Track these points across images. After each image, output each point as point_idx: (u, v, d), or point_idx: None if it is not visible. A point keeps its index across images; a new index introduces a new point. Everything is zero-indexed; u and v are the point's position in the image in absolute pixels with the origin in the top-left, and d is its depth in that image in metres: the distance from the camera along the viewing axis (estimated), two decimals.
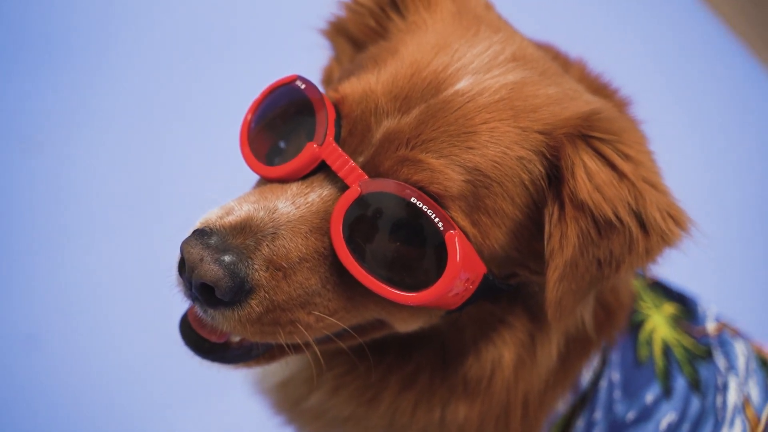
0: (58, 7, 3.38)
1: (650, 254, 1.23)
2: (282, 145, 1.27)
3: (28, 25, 3.33)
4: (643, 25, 3.89)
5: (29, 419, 2.46)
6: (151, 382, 2.57)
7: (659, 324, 1.55)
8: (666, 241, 1.23)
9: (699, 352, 1.55)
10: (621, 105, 1.41)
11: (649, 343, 1.53)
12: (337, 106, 1.23)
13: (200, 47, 3.38)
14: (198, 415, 2.53)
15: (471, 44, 1.26)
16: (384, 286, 1.16)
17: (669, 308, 1.59)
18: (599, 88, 1.40)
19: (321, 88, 1.29)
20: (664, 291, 1.63)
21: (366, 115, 1.21)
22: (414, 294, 1.17)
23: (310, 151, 1.20)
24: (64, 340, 2.62)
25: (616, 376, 1.49)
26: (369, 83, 1.22)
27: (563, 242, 1.19)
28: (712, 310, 1.64)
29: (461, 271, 1.16)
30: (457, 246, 1.15)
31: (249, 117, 1.28)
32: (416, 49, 1.25)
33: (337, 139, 1.21)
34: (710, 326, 1.60)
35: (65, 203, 2.93)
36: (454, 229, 1.15)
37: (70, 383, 2.54)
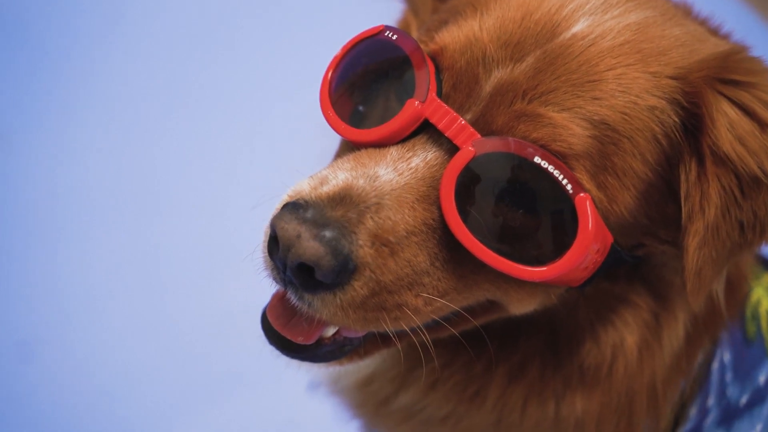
0: None
1: None
2: (365, 107, 1.13)
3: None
4: None
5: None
6: (148, 388, 2.51)
7: (762, 296, 1.41)
8: None
9: None
10: None
11: (756, 317, 1.39)
12: (435, 59, 1.08)
13: None
14: (195, 423, 2.46)
15: None
16: (505, 260, 1.01)
17: None
18: (711, 32, 1.25)
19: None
20: (759, 260, 1.48)
21: (472, 66, 1.06)
22: (540, 269, 1.02)
23: (412, 108, 1.05)
24: (58, 345, 2.57)
25: (727, 356, 1.35)
26: (473, 30, 1.08)
27: (704, 203, 1.05)
28: None
29: (593, 240, 1.01)
30: (589, 211, 1.00)
31: (329, 75, 1.13)
32: None
33: (440, 95, 1.06)
34: None
35: (57, 200, 2.86)
36: (585, 192, 1.00)
37: (64, 389, 2.49)
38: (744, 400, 1.35)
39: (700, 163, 1.05)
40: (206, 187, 2.84)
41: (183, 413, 2.44)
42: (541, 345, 1.22)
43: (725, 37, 1.27)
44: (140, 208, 2.82)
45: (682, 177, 1.06)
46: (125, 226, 2.79)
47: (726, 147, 1.04)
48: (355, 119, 1.12)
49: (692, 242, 1.05)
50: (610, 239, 1.06)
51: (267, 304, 1.14)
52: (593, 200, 1.03)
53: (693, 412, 1.34)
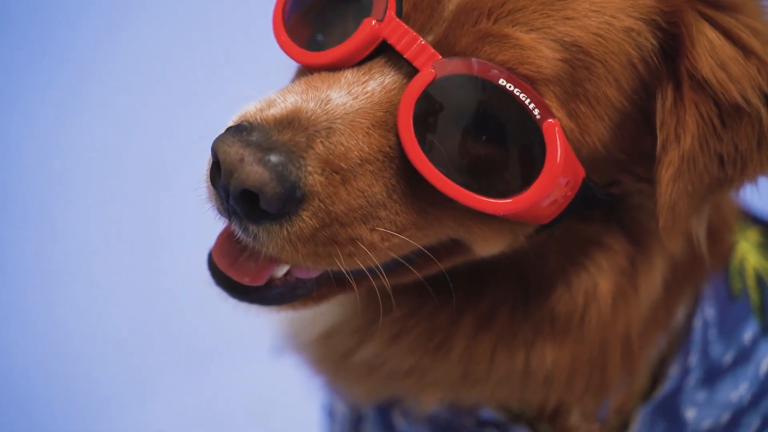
0: None
1: None
2: (322, 32, 1.06)
3: None
4: None
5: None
6: (128, 356, 2.55)
7: (748, 251, 1.35)
8: None
9: None
10: None
11: (741, 273, 1.33)
12: None
13: None
14: (177, 393, 2.48)
15: None
16: (467, 192, 0.95)
17: (754, 234, 1.38)
18: None
19: None
20: (743, 214, 1.42)
21: None
22: (505, 201, 0.95)
23: (368, 28, 0.98)
24: (39, 308, 2.63)
25: (710, 311, 1.29)
26: None
27: (679, 131, 0.98)
28: None
29: (562, 172, 0.95)
30: (557, 139, 0.94)
31: None
32: None
33: (399, 15, 0.99)
34: None
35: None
36: (553, 118, 0.93)
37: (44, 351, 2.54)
38: (728, 358, 1.29)
39: (677, 88, 0.99)
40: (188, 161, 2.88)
41: (161, 382, 2.46)
42: (511, 292, 1.15)
43: None
44: (132, 170, 2.88)
45: (659, 104, 1.00)
46: (114, 188, 2.85)
47: (705, 71, 0.97)
48: (313, 45, 1.05)
49: (666, 173, 0.99)
50: (581, 173, 1.00)
51: (212, 247, 1.06)
52: (564, 130, 0.96)
53: (674, 370, 1.28)
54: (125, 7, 3.41)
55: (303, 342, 1.31)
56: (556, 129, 0.93)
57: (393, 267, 1.04)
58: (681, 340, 1.28)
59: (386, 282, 1.01)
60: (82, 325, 2.58)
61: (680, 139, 0.98)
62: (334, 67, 1.00)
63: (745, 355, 1.30)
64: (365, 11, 1.00)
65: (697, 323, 1.28)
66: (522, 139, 0.95)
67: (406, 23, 0.98)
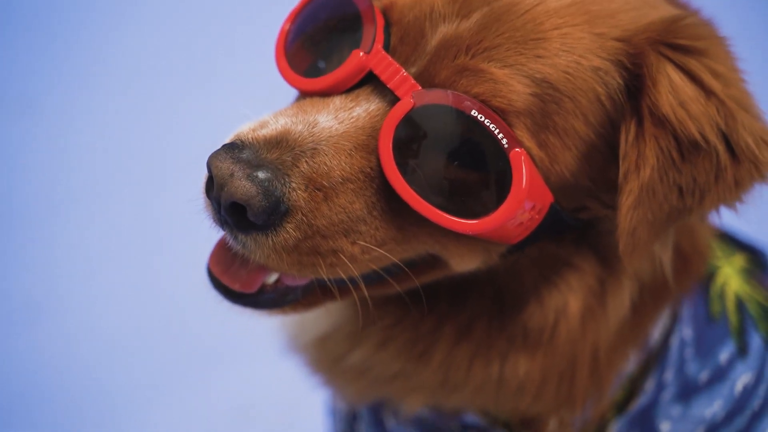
0: None
1: (740, 186, 1.10)
2: (322, 62, 1.15)
3: None
4: None
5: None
6: (135, 360, 2.57)
7: (731, 276, 1.41)
8: (759, 171, 1.09)
9: None
10: None
11: (722, 297, 1.39)
12: (386, 13, 1.11)
13: None
14: (181, 396, 2.50)
15: None
16: (437, 211, 1.03)
17: (740, 260, 1.45)
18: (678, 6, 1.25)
19: None
20: (733, 241, 1.48)
21: (420, 20, 1.08)
22: (472, 221, 1.04)
23: (356, 59, 1.07)
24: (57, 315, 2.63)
25: (688, 332, 1.35)
26: None
27: (640, 162, 1.05)
28: None
29: (527, 197, 1.03)
30: (523, 167, 1.02)
31: (287, 27, 1.16)
32: None
33: (387, 48, 1.08)
34: None
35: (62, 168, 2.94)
36: (520, 147, 1.01)
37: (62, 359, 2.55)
38: (704, 376, 1.35)
39: (640, 123, 1.06)
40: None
41: (166, 384, 2.49)
42: (489, 305, 1.23)
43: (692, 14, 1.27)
44: (144, 174, 2.90)
45: (622, 138, 1.07)
46: (127, 192, 2.86)
47: (665, 108, 1.04)
48: (309, 72, 1.14)
49: (626, 201, 1.06)
50: (549, 198, 1.07)
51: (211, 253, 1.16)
52: (534, 158, 1.04)
53: (649, 385, 1.34)
54: (134, 15, 3.43)
55: (301, 344, 1.40)
56: (522, 158, 1.01)
57: (375, 279, 1.13)
58: (658, 357, 1.34)
59: (365, 293, 1.10)
60: (87, 330, 2.62)
61: (640, 169, 1.05)
62: (326, 93, 1.09)
63: (720, 374, 1.35)
64: (357, 43, 1.09)
65: (674, 342, 1.34)
66: (491, 165, 1.03)
67: (393, 55, 1.07)
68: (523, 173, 1.02)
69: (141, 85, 3.21)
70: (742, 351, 1.37)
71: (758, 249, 1.50)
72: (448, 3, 1.07)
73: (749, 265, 1.45)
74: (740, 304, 1.40)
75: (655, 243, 1.14)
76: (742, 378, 1.35)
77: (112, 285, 2.68)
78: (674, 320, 1.35)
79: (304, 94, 1.12)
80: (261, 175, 1.00)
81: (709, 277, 1.40)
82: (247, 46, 2.75)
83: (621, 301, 1.22)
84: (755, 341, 1.38)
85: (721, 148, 1.06)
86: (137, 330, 2.56)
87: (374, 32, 1.07)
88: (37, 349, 2.54)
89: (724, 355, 1.36)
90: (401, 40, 1.08)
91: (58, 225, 2.84)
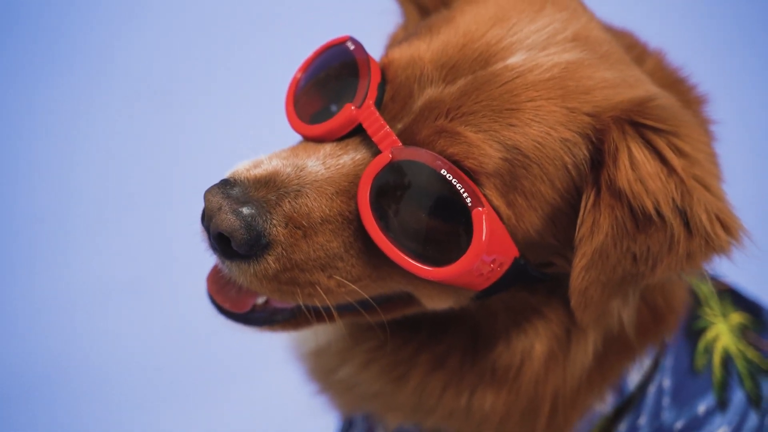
0: None
1: (692, 258, 1.17)
2: (322, 107, 1.26)
3: None
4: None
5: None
6: (144, 378, 2.63)
7: (723, 333, 1.47)
8: (711, 246, 1.16)
9: (765, 367, 1.46)
10: (695, 102, 1.33)
11: (709, 351, 1.45)
12: (384, 70, 1.21)
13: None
14: (190, 412, 2.58)
15: (531, 20, 1.21)
16: (404, 256, 1.13)
17: (737, 318, 1.50)
18: (674, 82, 1.33)
19: (381, 53, 1.27)
20: (735, 299, 1.54)
21: (410, 82, 1.18)
22: (434, 269, 1.13)
23: (347, 112, 1.18)
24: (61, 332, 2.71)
25: (666, 382, 1.42)
26: (418, 49, 1.20)
27: (594, 229, 1.14)
28: None
29: (485, 251, 1.12)
30: (483, 224, 1.11)
31: (299, 76, 1.28)
32: (473, 19, 1.21)
33: (379, 103, 1.19)
34: None
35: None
36: (483, 206, 1.11)
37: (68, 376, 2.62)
38: (679, 425, 1.41)
39: (598, 193, 1.14)
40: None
41: (175, 400, 2.58)
42: (464, 341, 1.33)
43: (690, 88, 1.35)
44: (151, 198, 2.97)
45: (582, 204, 1.15)
46: (134, 215, 2.92)
47: (622, 182, 1.12)
48: (315, 118, 1.25)
49: (579, 263, 1.15)
50: (513, 253, 1.17)
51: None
52: (501, 216, 1.14)
53: (622, 427, 1.41)
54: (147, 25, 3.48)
55: (301, 354, 1.53)
56: (484, 216, 1.11)
57: (352, 308, 1.24)
58: (634, 402, 1.42)
59: (337, 319, 1.21)
60: (98, 346, 2.68)
61: (594, 235, 1.14)
62: (320, 140, 1.21)
63: (696, 425, 1.41)
64: (352, 95, 1.20)
65: (652, 389, 1.42)
66: (456, 220, 1.13)
67: (384, 111, 1.18)
68: (483, 230, 1.11)
69: (150, 106, 3.28)
70: (722, 404, 1.42)
71: (763, 308, 1.55)
72: (438, 68, 1.17)
73: (747, 323, 1.51)
74: (727, 360, 1.45)
75: (610, 302, 1.22)
76: (719, 430, 1.41)
77: (123, 304, 2.74)
78: (655, 368, 1.42)
79: (305, 139, 1.24)
80: (245, 210, 1.12)
81: (700, 332, 1.46)
82: (264, 72, 2.77)
83: (584, 349, 1.30)
84: (737, 396, 1.43)
85: (676, 222, 1.13)
86: (150, 348, 2.63)
87: (367, 87, 1.18)
88: (49, 367, 2.62)
89: (702, 407, 1.42)
90: (392, 98, 1.19)
91: (67, 237, 2.91)
